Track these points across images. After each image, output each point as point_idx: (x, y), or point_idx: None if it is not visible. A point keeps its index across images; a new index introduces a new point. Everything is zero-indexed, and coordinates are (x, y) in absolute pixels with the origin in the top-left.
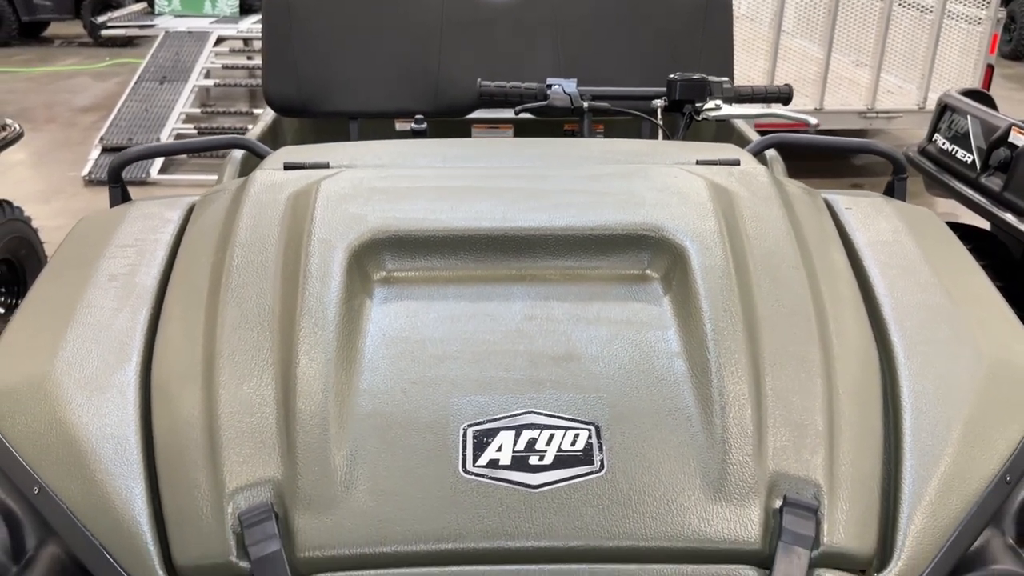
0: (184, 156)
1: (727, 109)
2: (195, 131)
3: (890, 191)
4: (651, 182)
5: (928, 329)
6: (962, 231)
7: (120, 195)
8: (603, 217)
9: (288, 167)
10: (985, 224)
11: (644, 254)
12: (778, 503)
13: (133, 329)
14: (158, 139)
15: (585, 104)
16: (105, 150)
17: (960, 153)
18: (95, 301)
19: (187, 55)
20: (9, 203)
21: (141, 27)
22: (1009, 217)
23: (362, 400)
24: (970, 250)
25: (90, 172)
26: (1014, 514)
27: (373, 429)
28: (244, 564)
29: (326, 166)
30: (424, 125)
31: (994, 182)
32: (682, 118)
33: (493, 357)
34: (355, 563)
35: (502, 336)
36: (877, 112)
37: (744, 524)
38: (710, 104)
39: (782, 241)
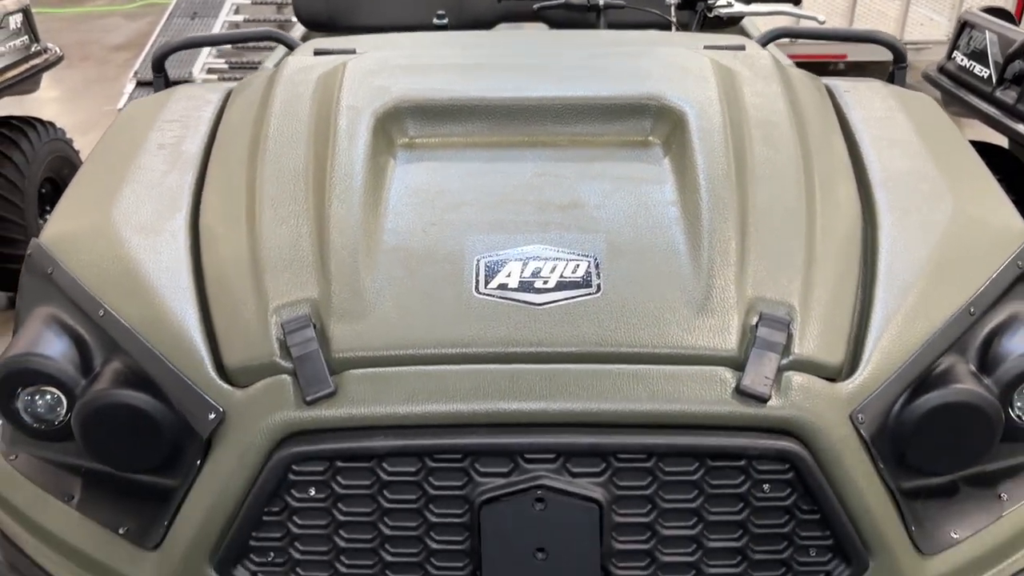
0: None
1: (739, 7)
2: (226, 65)
3: (891, 79)
4: (656, 59)
5: (910, 187)
6: (977, 148)
7: (164, 82)
8: (609, 88)
9: (318, 53)
10: (1004, 141)
11: (647, 121)
12: (755, 320)
13: (181, 187)
14: (190, 73)
15: (600, 1)
16: (140, 84)
17: (977, 68)
18: (146, 164)
19: None
20: (52, 124)
21: None
22: (1022, 128)
23: (387, 237)
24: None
25: (125, 106)
26: (978, 345)
27: (397, 260)
28: (287, 364)
29: (352, 52)
30: (446, 20)
31: (1009, 95)
32: (695, 16)
33: (505, 204)
34: (381, 362)
35: (514, 188)
36: (906, 43)
37: (723, 334)
38: (722, 0)
39: (778, 111)
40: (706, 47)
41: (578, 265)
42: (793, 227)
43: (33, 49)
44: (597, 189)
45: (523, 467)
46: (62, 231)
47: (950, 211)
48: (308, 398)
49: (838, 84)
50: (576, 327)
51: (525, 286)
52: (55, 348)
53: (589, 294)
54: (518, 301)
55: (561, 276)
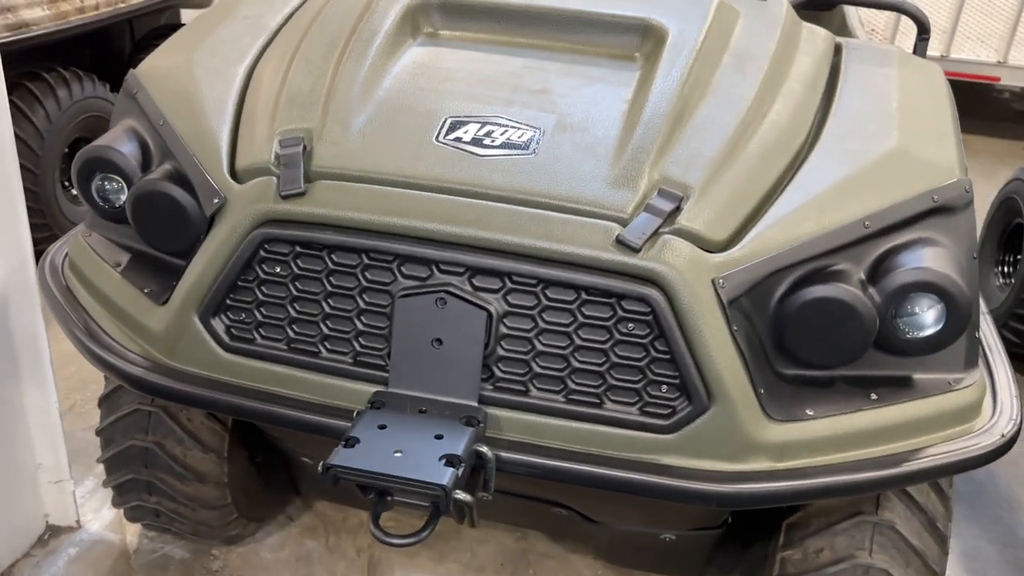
0: None
1: None
2: None
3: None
4: None
5: (859, 123)
6: None
7: None
8: (612, 7)
9: None
10: None
11: (635, 38)
12: (655, 194)
13: (252, 46)
14: None
15: None
16: None
17: None
18: (229, 29)
19: None
20: None
21: None
22: None
23: (383, 92)
24: None
25: None
26: (874, 259)
27: (385, 109)
28: (277, 170)
29: None
30: None
31: None
32: None
33: (488, 84)
34: (345, 178)
35: (501, 74)
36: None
37: (624, 199)
38: None
39: (762, 48)
40: None
41: (524, 133)
42: (721, 134)
43: None
44: (568, 83)
45: (437, 275)
46: (151, 66)
47: (888, 148)
48: (282, 194)
49: (853, 43)
50: (504, 176)
51: (476, 142)
52: (124, 147)
53: (525, 155)
54: (465, 151)
55: (508, 139)
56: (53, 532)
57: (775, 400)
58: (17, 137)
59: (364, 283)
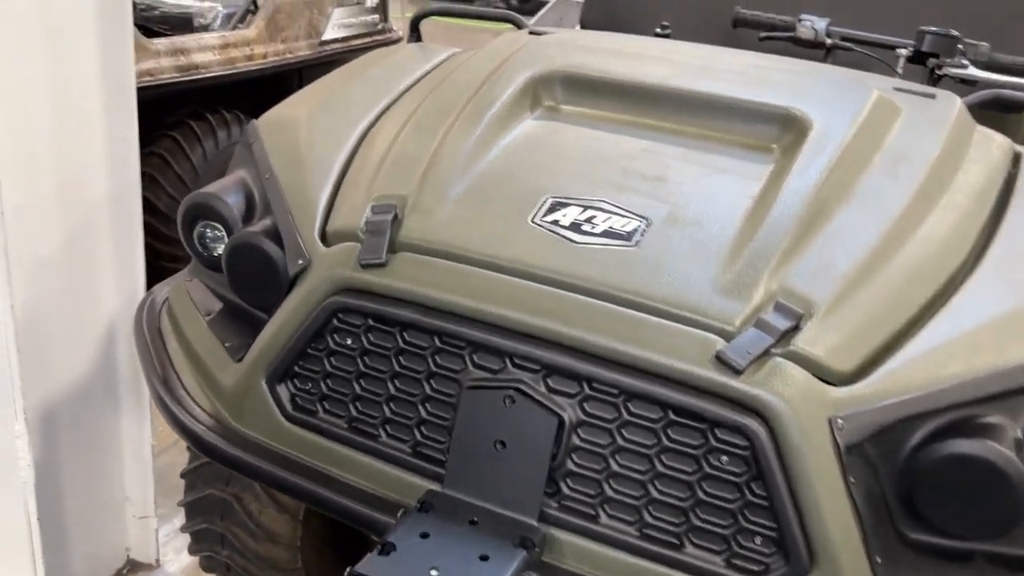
0: None
1: (974, 72)
2: None
3: None
4: (818, 79)
5: None
6: None
7: (415, 39)
8: (751, 93)
9: (532, 32)
10: None
11: (774, 128)
12: (770, 308)
13: (373, 106)
14: None
15: (828, 42)
16: None
17: None
18: (355, 88)
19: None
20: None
21: None
22: None
23: (487, 165)
24: None
25: None
26: None
27: (486, 182)
28: (364, 236)
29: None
30: (669, 31)
31: None
32: (927, 72)
33: (600, 165)
34: (430, 252)
35: (616, 156)
36: None
37: (732, 310)
38: (958, 62)
39: (923, 151)
40: (895, 88)
41: (629, 222)
42: (860, 246)
43: (379, 27)
44: (688, 171)
45: (510, 369)
46: (271, 118)
47: None
48: (362, 263)
49: None
50: (599, 268)
51: (574, 227)
52: (230, 196)
53: (627, 246)
54: (560, 235)
55: (610, 227)
56: (132, 567)
57: (894, 571)
58: (174, 172)
59: (433, 368)
